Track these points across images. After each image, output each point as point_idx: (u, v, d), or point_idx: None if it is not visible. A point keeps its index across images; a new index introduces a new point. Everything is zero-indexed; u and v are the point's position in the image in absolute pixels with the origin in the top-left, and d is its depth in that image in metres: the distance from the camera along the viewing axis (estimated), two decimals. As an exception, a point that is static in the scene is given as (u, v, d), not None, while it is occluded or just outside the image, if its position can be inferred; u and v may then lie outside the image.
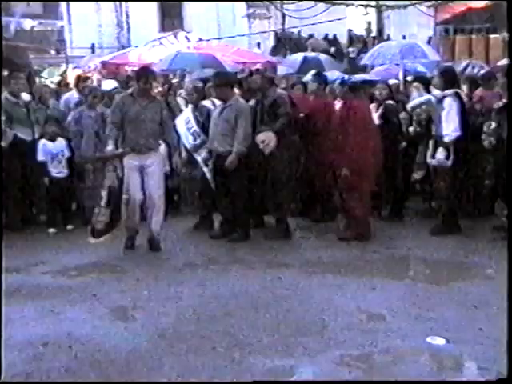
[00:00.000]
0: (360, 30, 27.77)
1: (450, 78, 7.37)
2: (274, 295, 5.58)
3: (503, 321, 4.80)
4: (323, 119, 7.53)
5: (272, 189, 7.32)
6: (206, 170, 7.50)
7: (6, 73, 12.69)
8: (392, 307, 5.26)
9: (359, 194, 7.23)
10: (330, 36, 25.77)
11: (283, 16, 25.71)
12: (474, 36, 18.17)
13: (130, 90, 7.39)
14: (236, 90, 7.61)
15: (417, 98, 8.05)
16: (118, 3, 26.04)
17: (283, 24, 25.49)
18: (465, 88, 7.91)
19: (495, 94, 8.04)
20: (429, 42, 20.13)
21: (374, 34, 27.19)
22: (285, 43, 24.10)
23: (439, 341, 4.56)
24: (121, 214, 6.99)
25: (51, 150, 7.85)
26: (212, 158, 7.39)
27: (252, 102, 7.41)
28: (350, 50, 24.39)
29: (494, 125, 7.28)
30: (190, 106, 7.90)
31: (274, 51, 23.21)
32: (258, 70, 7.95)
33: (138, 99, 6.97)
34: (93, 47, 23.78)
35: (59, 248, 7.23)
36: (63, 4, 26.73)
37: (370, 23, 27.32)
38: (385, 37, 24.90)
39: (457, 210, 7.46)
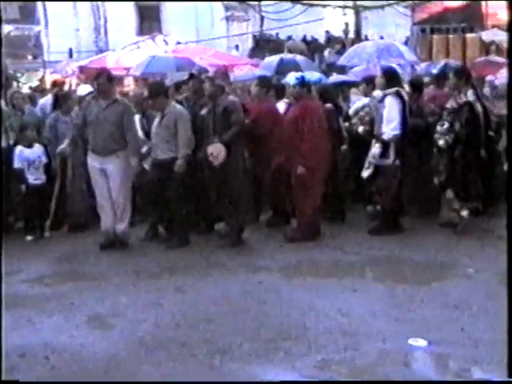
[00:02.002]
0: (338, 31, 27.89)
1: (391, 78, 7.36)
2: (254, 300, 5.53)
3: (484, 320, 4.84)
4: (268, 122, 7.57)
5: (225, 198, 7.22)
6: None
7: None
8: (373, 309, 5.23)
9: (311, 192, 7.24)
10: (308, 38, 25.86)
11: (261, 18, 25.76)
12: (451, 35, 18.21)
13: (94, 93, 7.39)
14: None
15: (355, 102, 8.19)
16: (95, 7, 25.90)
17: (261, 26, 25.54)
18: (407, 87, 7.93)
19: (447, 93, 8.05)
20: (406, 43, 20.24)
21: (351, 35, 27.31)
22: (263, 45, 24.10)
23: (421, 342, 4.54)
24: None
25: (28, 157, 7.74)
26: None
27: (204, 111, 7.34)
28: (328, 50, 24.43)
29: (446, 125, 7.25)
30: (138, 115, 7.66)
31: (253, 53, 23.21)
32: (208, 77, 7.80)
33: (99, 101, 7.03)
34: (70, 52, 23.60)
35: (36, 256, 7.14)
36: (40, 9, 26.48)
37: (347, 24, 27.45)
38: (363, 37, 25.00)
39: (396, 209, 7.45)
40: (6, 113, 8.12)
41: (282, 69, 12.03)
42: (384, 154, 7.21)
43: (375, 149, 7.22)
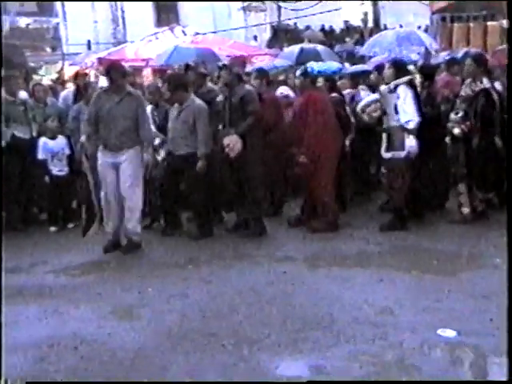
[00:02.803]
0: (356, 21, 27.70)
1: (399, 69, 7.19)
2: (280, 290, 5.51)
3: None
4: (274, 113, 7.57)
5: (244, 188, 7.22)
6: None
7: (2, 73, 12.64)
8: (400, 300, 5.19)
9: (323, 182, 7.22)
10: (326, 27, 25.70)
11: (279, 8, 25.61)
12: (471, 24, 17.97)
13: (106, 86, 7.20)
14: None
15: (364, 98, 8.04)
16: (113, -1, 25.94)
17: (279, 16, 25.39)
18: (418, 76, 7.80)
19: (459, 80, 7.93)
20: (426, 31, 20.02)
21: (370, 24, 27.11)
22: (281, 36, 23.99)
23: (450, 333, 4.49)
24: None
25: (52, 148, 7.78)
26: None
27: (220, 98, 7.31)
28: (347, 40, 24.30)
29: (461, 113, 7.09)
30: (150, 106, 7.61)
31: (271, 44, 23.11)
32: (225, 65, 7.78)
33: (112, 95, 6.81)
34: (89, 44, 23.65)
35: (60, 247, 7.19)
36: (58, 1, 26.61)
37: (366, 13, 27.24)
38: (381, 27, 24.82)
39: (408, 204, 7.28)
40: (29, 105, 8.14)
41: (303, 58, 11.98)
42: (398, 146, 7.06)
43: (410, 141, 6.93)
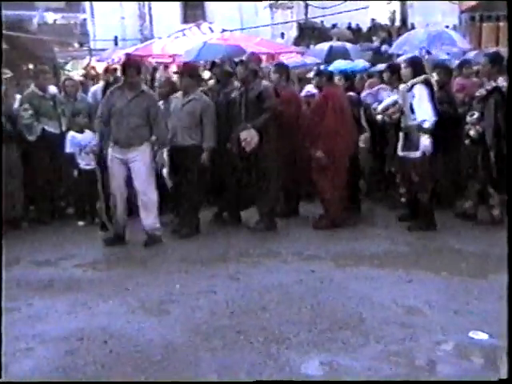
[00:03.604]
0: (383, 19, 27.50)
1: (416, 68, 7.08)
2: (308, 288, 5.48)
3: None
4: (292, 109, 7.52)
5: (259, 184, 7.20)
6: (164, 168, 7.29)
7: (31, 66, 12.77)
8: (430, 301, 5.14)
9: (331, 176, 7.21)
10: (353, 26, 25.56)
11: (305, 6, 25.54)
12: (501, 23, 17.76)
13: (119, 83, 7.19)
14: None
15: (385, 98, 7.95)
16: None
17: (306, 14, 25.33)
18: (435, 75, 7.72)
19: (475, 82, 7.84)
20: (454, 30, 19.84)
21: (397, 23, 26.90)
22: (308, 33, 23.92)
23: (482, 336, 4.44)
24: None
25: (79, 142, 7.81)
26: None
27: (235, 94, 7.28)
28: (374, 39, 24.13)
29: (476, 114, 7.05)
30: (161, 101, 7.50)
31: (297, 41, 23.06)
32: (241, 61, 7.70)
33: (125, 92, 6.80)
34: (116, 39, 23.81)
35: (88, 241, 7.20)
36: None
37: (393, 12, 27.03)
38: (409, 26, 24.62)
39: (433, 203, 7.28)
40: (59, 99, 8.19)
41: (332, 56, 11.93)
42: (414, 145, 6.99)
43: (425, 141, 6.88)
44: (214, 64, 8.46)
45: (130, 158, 6.76)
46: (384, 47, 19.64)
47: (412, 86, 6.98)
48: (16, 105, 8.13)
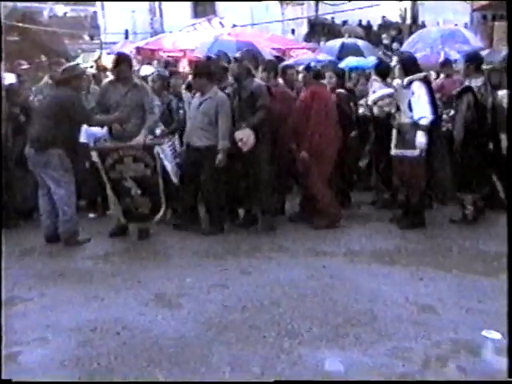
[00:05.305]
0: (394, 17, 27.39)
1: (409, 66, 7.05)
2: (320, 284, 5.49)
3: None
4: (283, 107, 7.42)
5: (256, 183, 7.17)
6: (166, 163, 7.26)
7: (43, 58, 12.78)
8: (442, 299, 5.14)
9: (318, 176, 7.21)
10: (364, 23, 25.49)
11: (316, 2, 25.49)
12: (514, 22, 17.67)
13: (111, 77, 7.27)
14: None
15: (378, 90, 7.91)
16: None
17: (316, 10, 25.28)
18: (433, 73, 7.74)
19: (455, 80, 7.91)
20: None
21: (408, 21, 26.79)
22: (318, 30, 23.88)
23: (495, 335, 4.42)
24: (160, 201, 6.93)
25: (94, 133, 7.81)
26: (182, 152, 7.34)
27: (228, 90, 7.22)
28: (384, 36, 24.09)
29: (452, 112, 7.12)
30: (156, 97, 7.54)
31: (308, 38, 23.03)
32: (235, 58, 7.62)
33: (119, 86, 6.90)
34: (126, 33, 23.81)
35: (99, 233, 7.22)
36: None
37: (405, 9, 26.89)
38: (419, 23, 24.52)
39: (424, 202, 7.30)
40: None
41: (344, 53, 11.90)
42: (409, 143, 6.97)
43: (420, 138, 6.84)
44: (208, 59, 8.41)
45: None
46: (395, 45, 19.61)
47: (410, 83, 6.96)
48: (31, 97, 8.15)
